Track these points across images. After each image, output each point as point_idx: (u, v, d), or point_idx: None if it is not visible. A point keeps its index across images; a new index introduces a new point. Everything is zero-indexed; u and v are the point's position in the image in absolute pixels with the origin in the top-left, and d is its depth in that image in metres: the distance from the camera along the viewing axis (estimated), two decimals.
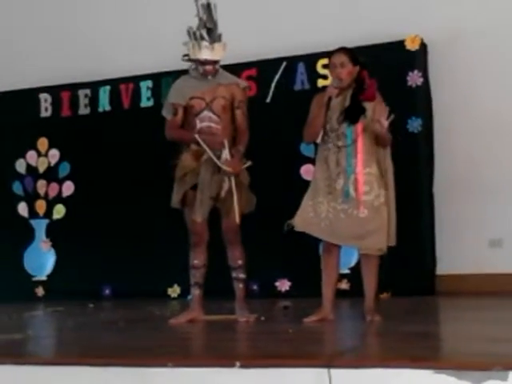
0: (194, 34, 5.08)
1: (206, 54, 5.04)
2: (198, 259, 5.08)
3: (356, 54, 4.81)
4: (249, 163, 5.10)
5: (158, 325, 4.94)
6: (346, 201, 4.70)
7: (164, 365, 3.21)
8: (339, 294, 5.94)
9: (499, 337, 3.61)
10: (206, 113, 5.10)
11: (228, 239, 5.08)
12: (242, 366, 3.12)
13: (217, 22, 5.12)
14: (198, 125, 5.07)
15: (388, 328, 4.27)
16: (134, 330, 4.58)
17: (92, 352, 3.62)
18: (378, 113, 4.71)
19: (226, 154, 4.98)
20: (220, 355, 3.44)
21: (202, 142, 4.96)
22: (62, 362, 3.38)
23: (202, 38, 5.05)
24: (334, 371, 3.03)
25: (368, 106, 4.74)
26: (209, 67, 5.08)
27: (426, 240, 6.45)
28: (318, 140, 4.89)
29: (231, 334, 4.33)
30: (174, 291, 7.03)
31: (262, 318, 4.92)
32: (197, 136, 4.97)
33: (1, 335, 4.22)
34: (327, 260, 4.83)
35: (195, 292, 5.10)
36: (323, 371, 3.03)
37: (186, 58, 5.17)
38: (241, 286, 5.11)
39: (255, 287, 6.65)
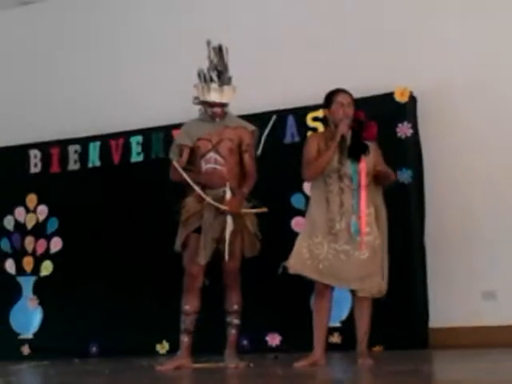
0: (204, 76, 5.11)
1: (214, 96, 5.08)
2: (189, 305, 5.01)
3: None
4: (264, 209, 5.06)
5: (144, 373, 4.83)
6: (348, 242, 4.66)
7: None
8: (331, 347, 5.87)
9: None
10: (211, 154, 5.12)
11: (226, 283, 5.03)
12: None
13: (227, 64, 5.16)
14: (204, 166, 5.08)
15: (380, 369, 4.19)
16: (120, 377, 4.48)
17: None
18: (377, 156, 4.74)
19: (227, 193, 4.97)
20: None
21: (194, 186, 4.95)
22: None
23: (212, 81, 5.08)
24: None
25: (370, 146, 4.76)
26: (217, 109, 5.12)
27: (418, 293, 6.36)
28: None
29: (219, 376, 4.23)
30: (163, 347, 6.89)
31: (251, 365, 4.82)
32: (190, 181, 4.95)
33: None
34: (320, 304, 4.76)
35: (184, 339, 5.01)
36: None
37: (196, 100, 5.20)
38: (233, 331, 5.04)
39: (245, 342, 6.53)
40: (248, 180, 5.11)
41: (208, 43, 5.18)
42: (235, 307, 5.04)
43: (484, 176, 6.37)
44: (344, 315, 6.22)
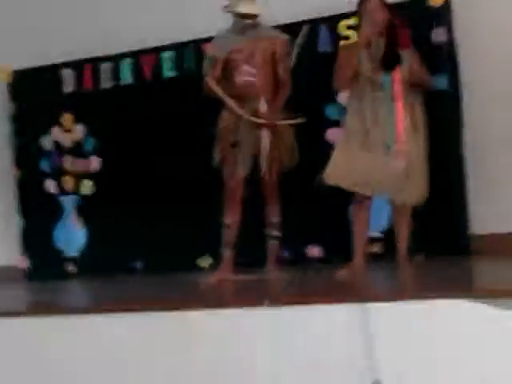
0: None
1: (245, 7, 5.02)
2: (230, 218, 5.06)
3: (386, 2, 4.76)
4: (300, 120, 5.04)
5: (189, 287, 4.93)
6: (384, 151, 4.64)
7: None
8: (372, 257, 5.92)
9: None
10: (245, 66, 5.08)
11: (266, 195, 5.06)
12: (272, 305, 3.09)
13: None
14: (237, 78, 5.06)
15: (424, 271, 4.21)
16: (169, 285, 4.58)
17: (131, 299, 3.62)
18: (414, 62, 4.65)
19: (262, 105, 4.95)
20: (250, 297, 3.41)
21: (228, 100, 4.93)
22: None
23: None
24: (370, 305, 2.97)
25: (403, 55, 4.69)
26: (248, 21, 5.05)
27: (457, 199, 6.34)
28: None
29: (262, 285, 4.30)
30: (206, 262, 6.97)
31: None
32: (223, 95, 4.93)
33: None
34: (358, 214, 4.79)
35: (226, 252, 5.08)
36: (358, 307, 2.98)
37: (227, 9, 5.14)
38: (273, 243, 5.09)
39: (286, 254, 6.58)
40: (283, 91, 5.09)
41: None
42: (275, 219, 5.08)
43: None
44: (384, 225, 6.24)
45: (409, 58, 4.72)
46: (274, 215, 5.10)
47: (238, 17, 5.07)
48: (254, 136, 4.97)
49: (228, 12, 5.11)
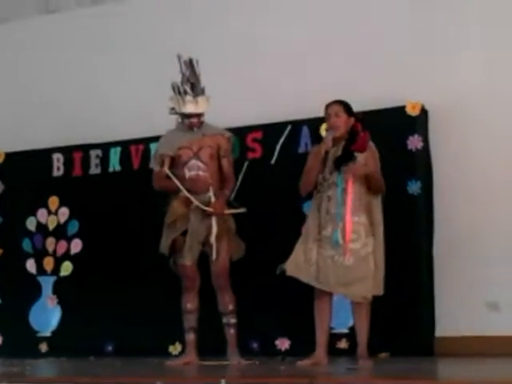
0: (178, 89, 5.35)
1: (190, 108, 5.32)
2: (190, 303, 5.21)
3: (351, 107, 5.02)
4: (242, 209, 5.27)
5: (154, 367, 5.03)
6: (333, 247, 4.83)
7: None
8: (338, 352, 6.04)
9: None
10: (193, 162, 5.37)
11: (217, 284, 5.22)
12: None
13: (199, 76, 5.38)
14: (187, 174, 5.31)
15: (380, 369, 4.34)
16: (131, 369, 4.69)
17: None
18: (370, 165, 4.88)
19: (211, 196, 5.18)
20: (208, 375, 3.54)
21: (184, 191, 5.16)
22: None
23: (186, 93, 5.31)
24: None
25: (360, 157, 4.92)
26: (194, 120, 5.37)
27: (425, 302, 6.49)
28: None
29: (223, 369, 4.42)
30: (176, 348, 7.06)
31: (257, 362, 5.00)
32: (180, 185, 5.16)
33: None
34: (319, 306, 4.94)
35: (190, 337, 5.20)
36: None
37: (173, 111, 5.44)
38: (232, 331, 5.22)
39: (255, 345, 6.68)
40: (228, 183, 5.35)
41: (179, 57, 5.41)
42: (230, 307, 5.23)
43: (493, 189, 6.50)
44: (351, 322, 6.35)
45: (370, 155, 4.93)
46: (229, 303, 5.25)
47: (183, 116, 5.38)
48: (203, 226, 5.19)
49: (174, 114, 5.43)
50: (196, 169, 5.33)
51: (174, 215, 5.28)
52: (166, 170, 5.30)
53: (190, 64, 5.40)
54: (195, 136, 5.38)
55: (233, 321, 5.26)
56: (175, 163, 5.40)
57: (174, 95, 5.39)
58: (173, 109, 5.42)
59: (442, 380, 3.98)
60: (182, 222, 5.25)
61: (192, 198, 5.15)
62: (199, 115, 5.37)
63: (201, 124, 5.43)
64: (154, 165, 5.54)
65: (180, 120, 5.44)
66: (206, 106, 5.42)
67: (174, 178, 5.24)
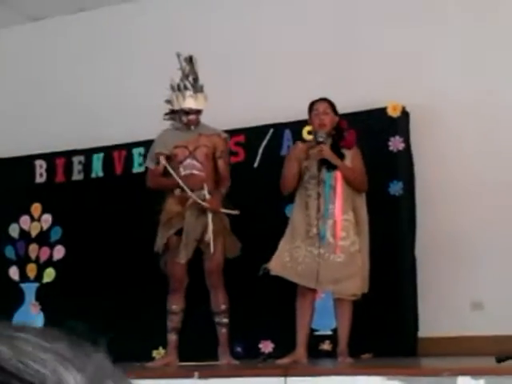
0: (178, 85, 5.34)
1: (190, 103, 5.31)
2: (175, 304, 5.19)
3: (335, 105, 5.04)
4: (236, 212, 5.26)
5: (137, 367, 5.01)
6: (323, 245, 4.83)
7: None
8: (322, 354, 6.02)
9: None
10: (189, 161, 5.34)
11: (211, 282, 5.20)
12: (201, 377, 3.21)
13: (198, 73, 5.38)
14: (182, 172, 5.29)
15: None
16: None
17: None
18: (356, 163, 4.90)
19: (205, 194, 5.18)
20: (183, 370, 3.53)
21: (181, 183, 5.15)
22: None
23: (186, 88, 5.31)
24: (290, 379, 3.11)
25: (347, 154, 4.94)
26: (192, 117, 5.33)
27: (408, 302, 6.50)
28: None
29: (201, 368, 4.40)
30: (159, 353, 7.03)
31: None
32: (178, 178, 5.16)
33: None
34: (301, 304, 4.93)
35: (172, 337, 5.18)
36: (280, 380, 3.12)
37: (167, 116, 5.43)
38: (224, 330, 5.21)
39: (239, 349, 6.66)
40: (223, 183, 5.33)
41: (178, 55, 5.41)
42: (222, 307, 5.21)
43: (474, 190, 6.53)
44: (335, 323, 6.35)
45: (354, 155, 4.97)
46: (221, 302, 5.24)
47: (182, 113, 5.36)
48: (198, 223, 5.17)
49: (171, 113, 5.42)
50: (191, 168, 5.32)
51: (170, 213, 5.26)
52: (165, 163, 5.26)
53: (190, 61, 5.40)
54: (191, 135, 5.36)
55: (225, 320, 5.24)
56: (171, 162, 5.38)
57: (172, 93, 5.37)
58: (167, 114, 5.40)
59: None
60: (178, 220, 5.22)
61: (189, 191, 5.13)
62: (198, 112, 5.36)
63: (198, 123, 5.41)
64: (148, 163, 5.51)
65: (177, 119, 5.40)
66: (204, 103, 5.40)
67: (171, 171, 5.21)
